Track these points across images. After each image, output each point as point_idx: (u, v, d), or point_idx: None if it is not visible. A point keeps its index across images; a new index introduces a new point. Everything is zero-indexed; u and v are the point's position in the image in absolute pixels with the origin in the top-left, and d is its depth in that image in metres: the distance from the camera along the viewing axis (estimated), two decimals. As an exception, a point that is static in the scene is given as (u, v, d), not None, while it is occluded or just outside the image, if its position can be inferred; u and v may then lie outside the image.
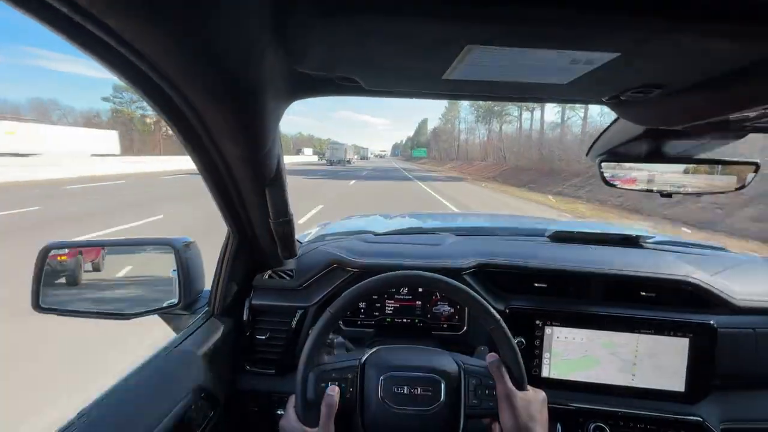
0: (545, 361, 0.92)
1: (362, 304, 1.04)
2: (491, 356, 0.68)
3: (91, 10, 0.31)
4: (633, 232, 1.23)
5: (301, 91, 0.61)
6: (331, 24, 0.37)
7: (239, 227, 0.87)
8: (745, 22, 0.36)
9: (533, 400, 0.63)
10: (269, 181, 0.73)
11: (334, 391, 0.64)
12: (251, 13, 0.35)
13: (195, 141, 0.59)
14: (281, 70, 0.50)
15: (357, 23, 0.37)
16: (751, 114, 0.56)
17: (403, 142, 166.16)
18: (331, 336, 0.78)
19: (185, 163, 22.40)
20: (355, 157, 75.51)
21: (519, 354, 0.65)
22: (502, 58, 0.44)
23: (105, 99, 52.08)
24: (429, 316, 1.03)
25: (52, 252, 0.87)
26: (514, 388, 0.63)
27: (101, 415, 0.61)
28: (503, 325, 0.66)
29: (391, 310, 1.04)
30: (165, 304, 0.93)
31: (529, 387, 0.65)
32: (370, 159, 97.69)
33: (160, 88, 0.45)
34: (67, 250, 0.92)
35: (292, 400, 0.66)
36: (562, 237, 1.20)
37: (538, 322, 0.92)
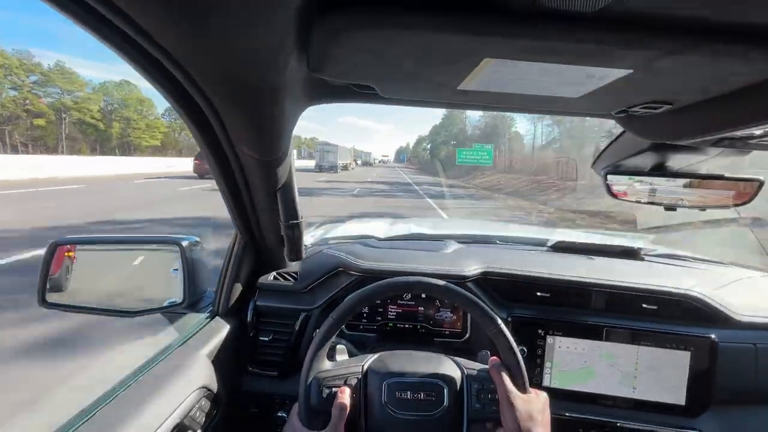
0: (546, 370, 0.92)
1: (365, 309, 1.04)
2: (492, 360, 0.68)
3: (119, 5, 0.32)
4: (634, 244, 1.23)
5: (317, 97, 0.63)
6: (353, 35, 0.38)
7: (247, 228, 0.88)
8: (755, 42, 0.38)
9: (534, 402, 0.63)
10: (281, 185, 0.74)
11: (345, 393, 0.64)
12: (278, 22, 0.36)
13: (213, 143, 0.60)
14: (300, 76, 0.51)
15: (378, 36, 0.38)
16: (757, 131, 0.58)
17: (411, 145, 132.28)
18: (334, 340, 0.79)
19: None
20: (355, 162, 62.88)
21: (520, 357, 0.65)
22: (517, 71, 0.45)
23: None
24: (431, 322, 1.03)
25: (60, 248, 0.88)
26: (515, 390, 0.63)
27: (104, 413, 0.61)
28: (504, 328, 0.66)
29: (393, 315, 1.04)
30: (169, 303, 0.94)
31: (531, 389, 0.65)
32: (374, 165, 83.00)
33: (183, 89, 0.47)
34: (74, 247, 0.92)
35: (295, 407, 0.66)
36: (563, 247, 1.20)
37: (540, 331, 0.93)
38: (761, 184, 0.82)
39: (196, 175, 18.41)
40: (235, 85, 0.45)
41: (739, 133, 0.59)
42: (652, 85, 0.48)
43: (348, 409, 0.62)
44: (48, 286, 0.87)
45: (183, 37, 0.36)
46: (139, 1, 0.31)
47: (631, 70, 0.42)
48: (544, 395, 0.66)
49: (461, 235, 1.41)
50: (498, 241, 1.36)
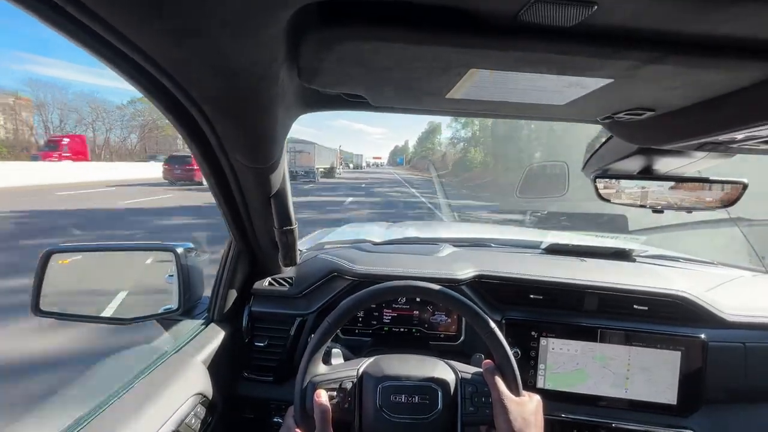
0: (540, 372, 0.93)
1: (360, 313, 1.05)
2: (486, 363, 0.68)
3: (107, 20, 0.32)
4: (626, 246, 1.25)
5: (309, 106, 0.64)
6: (342, 48, 0.40)
7: (242, 235, 0.89)
8: (729, 53, 0.39)
9: (528, 405, 0.63)
10: (275, 191, 0.75)
11: (320, 396, 0.64)
12: (270, 36, 0.37)
13: (206, 151, 0.61)
14: (292, 86, 0.52)
15: (367, 48, 0.39)
16: (738, 135, 0.59)
17: (411, 144, 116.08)
18: (329, 345, 0.79)
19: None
20: (347, 165, 56.85)
21: (513, 359, 0.66)
22: (503, 81, 0.46)
23: None
24: (426, 325, 1.04)
25: (54, 256, 0.88)
26: (508, 393, 0.63)
27: (99, 421, 0.61)
28: (497, 331, 0.67)
29: (388, 319, 1.05)
30: (164, 310, 0.94)
31: (524, 392, 0.66)
32: (364, 169, 72.64)
33: (176, 99, 0.48)
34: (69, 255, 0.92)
35: (290, 410, 0.67)
36: (557, 250, 1.22)
37: (533, 333, 0.94)
38: (745, 186, 0.84)
39: (166, 181, 14.82)
40: (227, 96, 0.46)
41: (721, 138, 0.61)
42: (633, 92, 0.50)
43: (330, 411, 0.63)
44: (42, 294, 0.87)
45: (175, 50, 0.37)
46: (131, 15, 0.32)
47: (612, 79, 0.44)
48: (537, 398, 0.67)
49: (456, 239, 1.42)
50: (492, 245, 1.38)
